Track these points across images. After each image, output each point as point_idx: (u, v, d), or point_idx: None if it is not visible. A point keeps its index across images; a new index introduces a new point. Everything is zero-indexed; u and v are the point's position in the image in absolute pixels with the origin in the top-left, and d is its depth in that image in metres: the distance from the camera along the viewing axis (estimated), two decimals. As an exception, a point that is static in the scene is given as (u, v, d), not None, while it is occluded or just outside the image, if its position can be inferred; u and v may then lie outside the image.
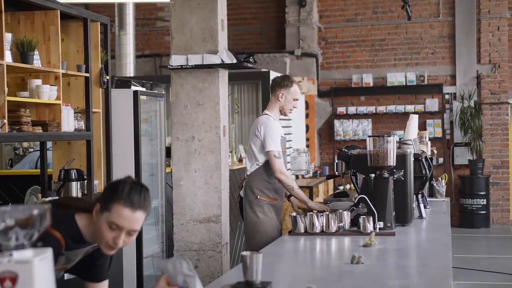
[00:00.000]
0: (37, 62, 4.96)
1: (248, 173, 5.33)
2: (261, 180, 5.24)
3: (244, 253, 2.75)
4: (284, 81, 5.36)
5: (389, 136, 4.44)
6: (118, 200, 2.56)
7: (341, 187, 12.34)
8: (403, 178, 4.53)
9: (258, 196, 5.23)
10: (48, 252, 1.80)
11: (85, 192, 5.61)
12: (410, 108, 12.57)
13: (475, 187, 12.24)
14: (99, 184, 5.88)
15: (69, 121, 5.29)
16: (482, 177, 12.26)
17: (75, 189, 5.42)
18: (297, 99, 5.37)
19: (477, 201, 12.20)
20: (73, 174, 5.42)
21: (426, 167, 5.05)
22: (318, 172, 11.06)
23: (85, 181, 5.58)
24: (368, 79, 12.84)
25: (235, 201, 7.24)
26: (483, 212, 12.24)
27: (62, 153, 5.75)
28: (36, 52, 4.95)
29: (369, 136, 4.49)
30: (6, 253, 1.74)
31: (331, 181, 11.28)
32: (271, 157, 5.13)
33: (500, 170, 12.57)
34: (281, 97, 5.31)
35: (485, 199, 12.22)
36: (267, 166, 5.22)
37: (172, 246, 5.90)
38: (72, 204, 2.73)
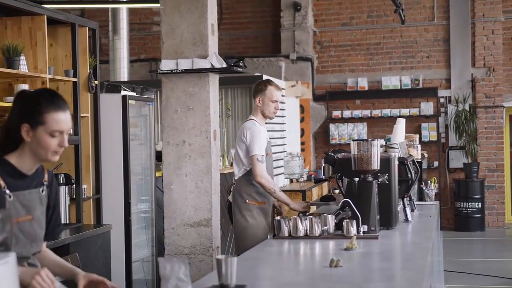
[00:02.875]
0: (23, 67, 4.98)
1: (236, 178, 5.42)
2: (249, 184, 5.33)
3: (219, 257, 2.77)
4: (259, 86, 5.46)
5: (373, 140, 4.45)
6: (47, 111, 2.67)
7: (337, 191, 12.35)
8: (387, 182, 4.55)
9: (247, 200, 5.32)
10: (11, 257, 1.82)
11: (74, 196, 5.63)
12: (405, 111, 12.59)
13: (470, 191, 12.24)
14: (87, 189, 5.89)
15: (56, 126, 5.30)
16: (477, 181, 12.27)
17: (63, 194, 5.43)
18: (275, 101, 5.42)
19: (472, 204, 12.21)
20: (61, 178, 5.43)
21: (412, 171, 5.06)
22: (313, 176, 11.06)
23: (73, 185, 5.60)
24: (363, 83, 12.87)
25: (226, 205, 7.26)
26: (478, 215, 12.24)
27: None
28: (22, 57, 4.97)
29: (353, 140, 4.51)
30: (-33, 257, 1.76)
31: (325, 185, 11.30)
32: (254, 161, 5.21)
33: (495, 174, 12.58)
34: (260, 102, 5.41)
35: (480, 203, 12.23)
36: None
37: (162, 250, 5.91)
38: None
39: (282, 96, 8.12)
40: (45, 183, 2.84)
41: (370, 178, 4.43)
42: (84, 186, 5.76)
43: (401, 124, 5.66)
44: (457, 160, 12.56)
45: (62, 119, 2.70)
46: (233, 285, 2.78)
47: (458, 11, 12.58)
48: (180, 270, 2.58)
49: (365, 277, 3.21)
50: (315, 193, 10.06)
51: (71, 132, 5.59)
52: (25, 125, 2.68)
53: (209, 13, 6.05)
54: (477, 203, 12.21)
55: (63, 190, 5.43)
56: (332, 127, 12.93)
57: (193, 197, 5.87)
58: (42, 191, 2.82)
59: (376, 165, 4.42)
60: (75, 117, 5.66)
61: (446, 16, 12.71)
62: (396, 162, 4.72)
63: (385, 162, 4.56)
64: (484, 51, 12.57)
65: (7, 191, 2.66)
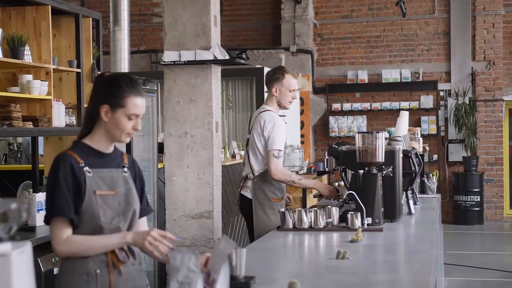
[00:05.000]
0: (28, 57, 4.97)
1: (255, 174, 5.16)
2: (271, 180, 5.10)
3: (228, 248, 2.77)
4: (275, 74, 5.20)
5: (378, 132, 4.45)
6: (128, 95, 2.82)
7: (336, 184, 12.36)
8: (391, 174, 4.55)
9: (271, 199, 5.11)
10: (27, 246, 1.82)
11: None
12: (405, 104, 12.59)
13: (469, 184, 12.27)
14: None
15: (60, 116, 5.31)
16: (476, 174, 12.29)
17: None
18: (293, 90, 5.19)
19: (471, 197, 12.24)
20: (64, 169, 5.41)
21: (416, 164, 5.06)
22: (313, 168, 11.08)
23: (77, 176, 5.58)
24: (363, 76, 12.87)
25: (228, 197, 7.26)
26: (477, 209, 12.27)
27: (54, 148, 5.77)
28: (27, 48, 4.96)
29: (358, 133, 4.50)
30: (-16, 247, 1.76)
31: (325, 177, 11.32)
32: (270, 156, 4.99)
33: (494, 167, 12.60)
34: (276, 91, 5.18)
35: (479, 196, 12.26)
36: None
37: (164, 242, 5.91)
38: (78, 136, 2.93)
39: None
40: (125, 165, 2.96)
41: (374, 171, 4.43)
42: (87, 177, 5.75)
43: (404, 117, 5.66)
44: (457, 153, 12.57)
45: (140, 104, 2.85)
46: (242, 276, 2.79)
47: (458, 4, 12.58)
48: (191, 261, 2.59)
49: (372, 269, 3.22)
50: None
51: (75, 123, 5.60)
52: (105, 106, 2.82)
53: (212, 4, 6.04)
54: (476, 196, 12.24)
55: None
56: (331, 119, 12.94)
57: (195, 189, 5.87)
58: (125, 172, 2.94)
59: (380, 157, 4.42)
60: (78, 108, 5.65)
61: (446, 9, 12.71)
62: (401, 155, 4.72)
63: (390, 154, 4.56)
64: (484, 45, 12.57)
65: (86, 168, 2.81)
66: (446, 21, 12.72)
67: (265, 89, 9.87)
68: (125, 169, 2.95)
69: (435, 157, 12.56)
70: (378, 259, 3.50)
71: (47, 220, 2.81)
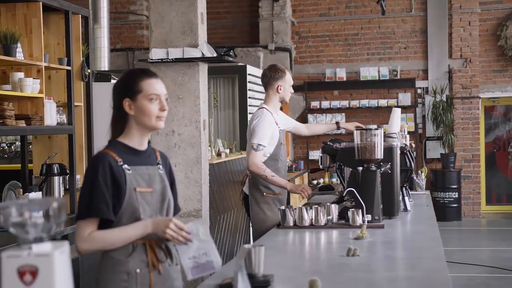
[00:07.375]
0: (19, 54, 4.88)
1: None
2: None
3: (247, 246, 2.74)
4: (278, 73, 5.29)
5: (377, 129, 4.45)
6: (141, 79, 2.85)
7: (315, 182, 12.39)
8: (390, 171, 4.55)
9: (264, 193, 5.15)
10: (66, 246, 1.78)
11: (67, 187, 5.54)
12: (383, 102, 12.66)
13: (447, 181, 12.37)
14: (81, 179, 5.80)
15: (51, 115, 5.22)
16: (454, 171, 12.40)
17: (57, 184, 5.34)
18: (291, 84, 5.39)
19: (449, 194, 12.34)
20: (55, 168, 5.34)
21: (411, 160, 5.08)
22: (293, 166, 11.10)
23: (68, 175, 5.51)
24: (341, 74, 12.89)
25: (215, 196, 7.22)
26: (455, 205, 12.38)
27: (43, 147, 5.67)
28: (19, 45, 4.87)
29: (356, 129, 4.50)
30: (25, 247, 1.72)
31: (305, 175, 11.34)
32: (248, 148, 5.09)
33: (471, 164, 12.72)
34: (280, 89, 5.29)
35: (456, 193, 12.37)
36: (270, 162, 5.12)
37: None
38: (111, 138, 2.92)
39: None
40: (160, 162, 2.95)
41: (373, 168, 4.43)
42: (77, 176, 5.67)
43: (397, 113, 5.68)
44: (434, 150, 12.68)
45: (156, 84, 2.86)
46: (261, 274, 2.76)
47: (435, 2, 12.67)
48: (199, 231, 2.59)
49: (386, 266, 3.21)
50: (298, 183, 10.06)
51: (65, 121, 5.51)
52: (126, 99, 2.83)
53: (198, 1, 6.01)
54: (453, 193, 12.34)
55: (57, 180, 5.34)
56: (310, 117, 12.95)
57: (183, 187, 5.84)
58: (160, 169, 2.92)
59: (379, 154, 4.42)
60: (69, 107, 5.56)
61: (423, 7, 12.80)
62: (398, 151, 4.73)
63: (388, 151, 4.57)
64: (461, 42, 12.68)
65: (125, 166, 2.80)
66: (423, 19, 12.81)
67: (249, 86, 9.86)
68: (160, 166, 2.94)
69: (413, 154, 12.63)
70: (389, 256, 3.48)
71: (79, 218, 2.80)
